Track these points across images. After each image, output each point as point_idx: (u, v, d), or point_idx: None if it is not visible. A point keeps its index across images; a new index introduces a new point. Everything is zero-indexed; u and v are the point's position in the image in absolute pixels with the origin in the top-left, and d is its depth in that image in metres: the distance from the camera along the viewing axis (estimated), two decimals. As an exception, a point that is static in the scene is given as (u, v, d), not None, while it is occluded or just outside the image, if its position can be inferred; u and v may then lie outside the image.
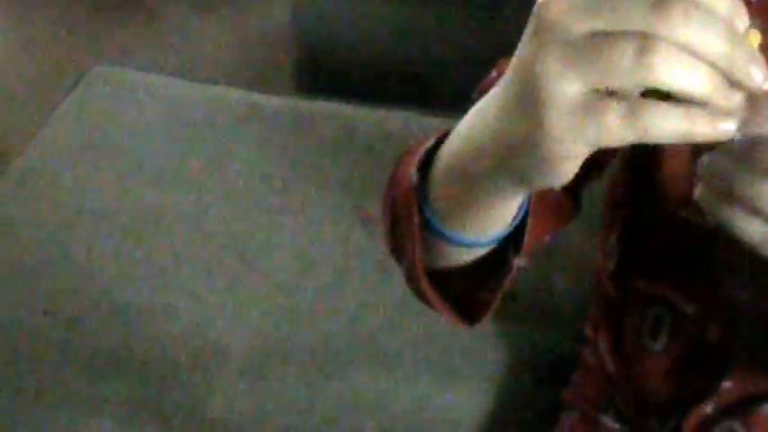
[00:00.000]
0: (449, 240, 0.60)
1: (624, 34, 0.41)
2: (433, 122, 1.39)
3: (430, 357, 1.18)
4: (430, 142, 0.61)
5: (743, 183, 0.44)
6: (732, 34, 0.41)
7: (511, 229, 0.60)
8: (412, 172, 0.60)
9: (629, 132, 0.42)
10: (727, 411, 0.76)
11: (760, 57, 0.42)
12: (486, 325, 1.22)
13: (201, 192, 1.42)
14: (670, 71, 0.40)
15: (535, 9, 0.44)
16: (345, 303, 1.24)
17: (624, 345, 0.82)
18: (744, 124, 0.43)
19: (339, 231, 1.32)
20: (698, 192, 0.47)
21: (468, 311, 0.67)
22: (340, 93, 1.57)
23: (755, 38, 0.43)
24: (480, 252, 0.63)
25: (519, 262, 0.63)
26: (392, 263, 0.70)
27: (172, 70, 1.93)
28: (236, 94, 1.58)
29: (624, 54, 0.40)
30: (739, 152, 0.45)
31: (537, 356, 1.17)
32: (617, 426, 0.87)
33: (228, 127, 1.51)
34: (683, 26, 0.40)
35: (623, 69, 0.41)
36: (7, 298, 1.30)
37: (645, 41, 0.40)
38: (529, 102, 0.44)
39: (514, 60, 0.46)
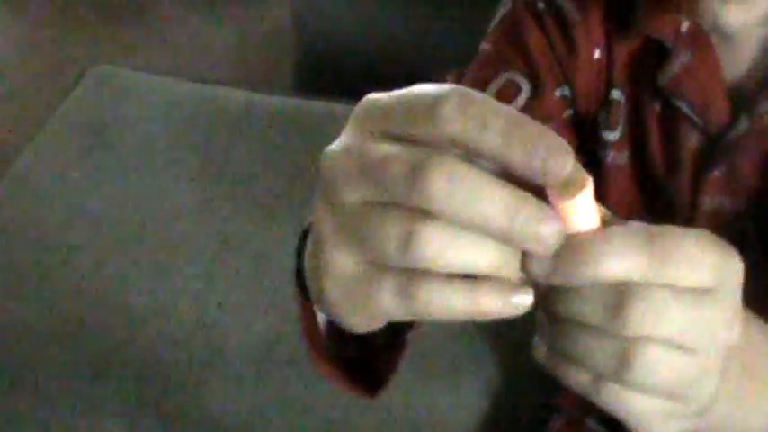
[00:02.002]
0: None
1: (392, 209, 0.35)
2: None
3: (428, 359, 1.18)
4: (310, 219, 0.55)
5: (558, 335, 0.39)
6: (509, 200, 0.34)
7: None
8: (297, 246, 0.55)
9: (404, 309, 0.37)
10: None
11: (549, 215, 0.35)
12: (483, 328, 1.22)
13: (201, 191, 1.42)
14: (438, 255, 0.35)
15: (320, 160, 0.39)
16: (345, 303, 1.24)
17: None
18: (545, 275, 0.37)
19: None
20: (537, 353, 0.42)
21: (365, 382, 0.62)
22: (340, 93, 1.57)
23: (579, 182, 0.36)
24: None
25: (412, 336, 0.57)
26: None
27: (172, 70, 1.93)
28: (236, 94, 1.58)
29: (390, 235, 0.35)
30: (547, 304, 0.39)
31: (532, 359, 1.18)
32: (601, 428, 0.88)
33: (228, 127, 1.51)
34: (444, 201, 0.34)
35: (391, 251, 0.35)
36: (8, 298, 1.30)
37: (409, 223, 0.35)
38: (314, 259, 0.39)
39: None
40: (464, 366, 1.17)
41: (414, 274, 0.36)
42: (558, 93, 0.72)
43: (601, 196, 0.74)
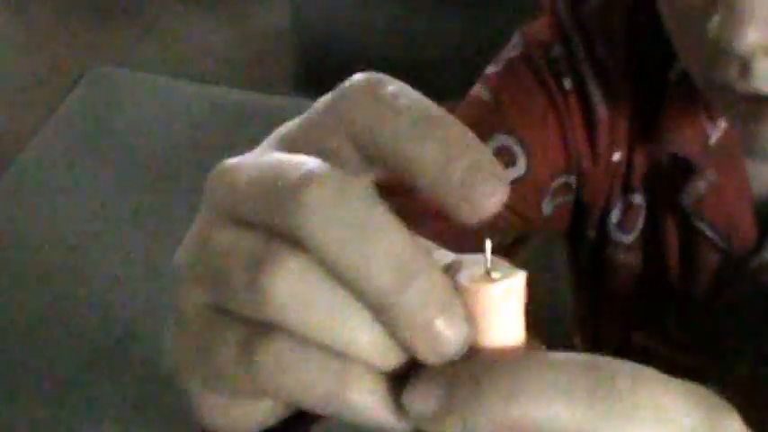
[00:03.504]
0: None
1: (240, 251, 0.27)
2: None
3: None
4: None
5: None
6: (403, 255, 0.24)
7: None
8: None
9: (247, 374, 0.26)
10: None
11: (453, 297, 0.24)
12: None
13: (200, 192, 1.42)
14: (293, 309, 0.25)
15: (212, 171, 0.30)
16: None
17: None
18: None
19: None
20: None
21: None
22: (340, 93, 1.57)
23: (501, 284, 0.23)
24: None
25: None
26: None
27: (172, 70, 1.94)
28: (236, 94, 1.58)
29: (237, 268, 0.26)
30: None
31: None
32: None
33: (228, 127, 1.51)
34: (312, 232, 0.25)
35: (238, 286, 0.26)
36: (7, 298, 1.30)
37: (255, 270, 0.25)
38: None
39: None
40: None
41: (267, 330, 0.26)
42: (561, 179, 0.63)
43: (604, 291, 0.68)
